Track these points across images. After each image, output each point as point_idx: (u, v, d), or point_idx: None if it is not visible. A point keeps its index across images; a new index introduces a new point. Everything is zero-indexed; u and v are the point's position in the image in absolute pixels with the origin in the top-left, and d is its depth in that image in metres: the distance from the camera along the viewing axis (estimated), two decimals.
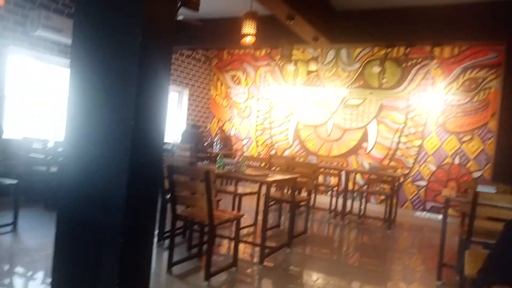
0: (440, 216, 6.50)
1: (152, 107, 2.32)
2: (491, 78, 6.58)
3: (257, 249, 4.03)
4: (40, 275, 3.12)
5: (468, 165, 6.71)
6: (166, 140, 4.05)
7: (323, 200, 7.09)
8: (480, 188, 3.47)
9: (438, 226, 4.74)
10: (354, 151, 7.57)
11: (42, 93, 5.96)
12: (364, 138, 7.49)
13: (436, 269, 3.71)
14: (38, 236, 3.98)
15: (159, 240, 3.96)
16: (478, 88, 6.67)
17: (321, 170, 6.36)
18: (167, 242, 3.87)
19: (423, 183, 7.02)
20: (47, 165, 4.97)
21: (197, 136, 7.24)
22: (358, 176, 7.40)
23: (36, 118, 5.92)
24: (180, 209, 3.38)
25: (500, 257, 1.00)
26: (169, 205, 3.41)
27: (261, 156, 8.16)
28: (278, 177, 3.88)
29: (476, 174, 6.64)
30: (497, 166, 5.35)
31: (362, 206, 6.26)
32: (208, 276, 3.09)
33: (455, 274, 3.80)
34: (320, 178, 7.35)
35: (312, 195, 6.13)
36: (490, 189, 3.53)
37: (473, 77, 6.71)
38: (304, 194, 5.83)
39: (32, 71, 5.83)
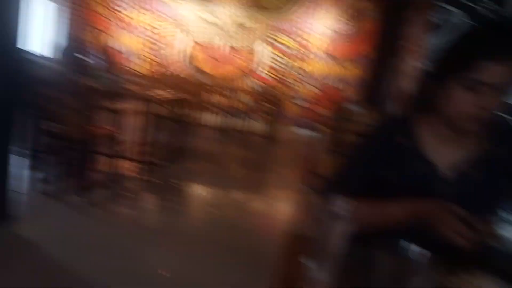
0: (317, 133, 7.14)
1: None
2: (372, 8, 6.99)
3: (138, 164, 3.94)
4: None
5: (346, 88, 7.30)
6: (30, 49, 3.52)
7: (210, 118, 7.16)
8: (348, 106, 3.83)
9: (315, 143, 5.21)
10: (242, 71, 7.63)
11: None
12: (252, 58, 7.54)
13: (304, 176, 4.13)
14: None
15: (27, 159, 3.59)
16: (360, 18, 7.07)
17: (209, 88, 6.32)
18: (36, 161, 3.53)
19: (304, 103, 7.51)
20: None
21: (71, 49, 6.44)
22: (245, 96, 7.56)
23: None
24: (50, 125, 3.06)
25: (346, 169, 1.08)
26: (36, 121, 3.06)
27: (146, 73, 7.70)
28: (163, 93, 3.73)
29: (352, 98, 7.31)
30: (368, 90, 5.90)
31: (247, 124, 6.49)
32: (85, 192, 2.96)
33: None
34: (208, 97, 7.32)
35: (199, 113, 6.12)
36: (357, 108, 3.92)
37: (355, 6, 7.06)
38: (190, 112, 5.78)
39: None
